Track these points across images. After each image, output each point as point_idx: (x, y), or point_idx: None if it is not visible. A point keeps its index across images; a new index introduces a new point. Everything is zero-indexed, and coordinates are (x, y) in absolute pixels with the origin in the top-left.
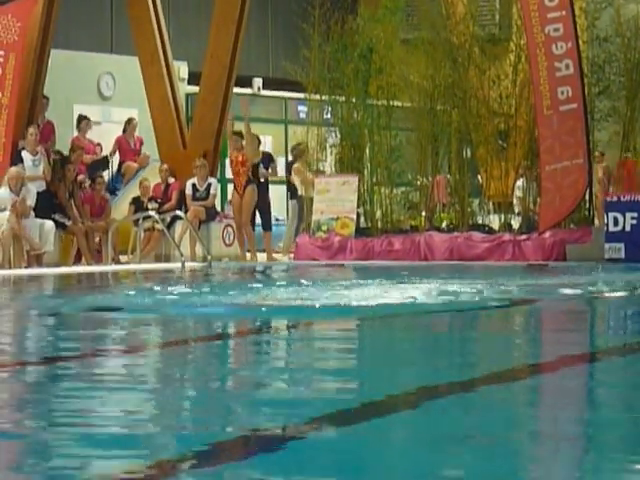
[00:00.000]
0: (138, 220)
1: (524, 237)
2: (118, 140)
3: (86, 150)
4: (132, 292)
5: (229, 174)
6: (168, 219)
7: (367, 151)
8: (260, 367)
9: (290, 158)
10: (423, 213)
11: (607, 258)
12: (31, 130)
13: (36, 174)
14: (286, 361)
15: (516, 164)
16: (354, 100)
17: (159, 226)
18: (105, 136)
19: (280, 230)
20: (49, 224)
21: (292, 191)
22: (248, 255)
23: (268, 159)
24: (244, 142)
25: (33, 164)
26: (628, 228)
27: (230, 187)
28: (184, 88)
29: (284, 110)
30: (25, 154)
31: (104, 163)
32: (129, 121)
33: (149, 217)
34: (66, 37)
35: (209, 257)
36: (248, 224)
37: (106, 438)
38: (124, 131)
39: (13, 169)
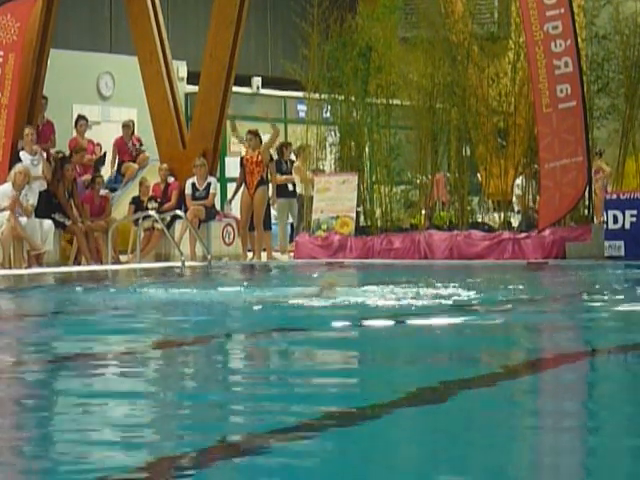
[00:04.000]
0: (138, 220)
1: (524, 235)
2: (116, 142)
3: (86, 151)
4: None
5: (229, 173)
6: (168, 218)
7: (367, 150)
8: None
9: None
10: (423, 211)
11: (607, 256)
12: (27, 130)
13: (35, 174)
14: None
15: (515, 162)
16: (353, 99)
17: (159, 225)
18: (104, 136)
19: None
20: (48, 223)
21: (279, 189)
22: (249, 254)
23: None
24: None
25: (32, 164)
26: (628, 226)
27: (230, 186)
28: (183, 88)
29: (283, 109)
30: (23, 154)
31: (102, 160)
32: (126, 126)
33: (149, 216)
34: (65, 37)
35: (209, 256)
36: (260, 225)
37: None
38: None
39: (20, 165)
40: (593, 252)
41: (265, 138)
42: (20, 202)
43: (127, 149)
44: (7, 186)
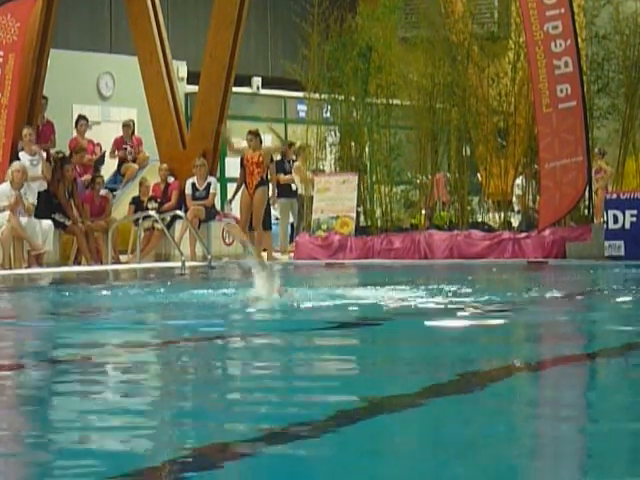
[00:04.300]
0: (138, 220)
1: (524, 235)
2: (115, 141)
3: (86, 151)
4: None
5: (229, 173)
6: (168, 219)
7: (367, 150)
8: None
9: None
10: (423, 211)
11: (607, 256)
12: (25, 131)
13: (35, 174)
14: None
15: (515, 162)
16: (353, 99)
17: (159, 226)
18: (104, 136)
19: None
20: (47, 224)
21: (282, 189)
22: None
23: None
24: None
25: (31, 164)
26: (628, 226)
27: (230, 186)
28: (183, 88)
29: (283, 109)
30: (22, 155)
31: (102, 160)
32: (126, 125)
33: (149, 217)
34: (65, 37)
35: (209, 256)
36: (260, 225)
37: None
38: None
39: (17, 163)
40: (593, 252)
41: (265, 139)
42: (22, 201)
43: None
44: (5, 185)
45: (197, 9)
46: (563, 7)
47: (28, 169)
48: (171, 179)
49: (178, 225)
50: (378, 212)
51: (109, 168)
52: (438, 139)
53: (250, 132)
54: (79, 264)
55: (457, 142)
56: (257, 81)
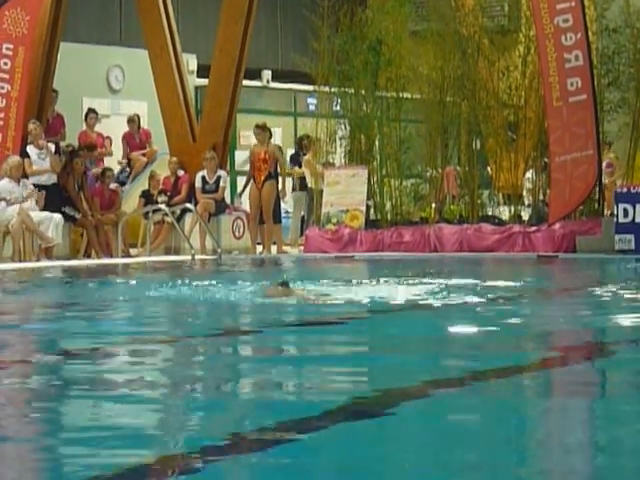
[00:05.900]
0: (148, 213)
1: (534, 229)
2: (124, 136)
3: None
4: None
5: (239, 166)
6: (178, 212)
7: (377, 143)
8: None
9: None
10: (433, 205)
11: (617, 249)
12: (31, 126)
13: (43, 168)
14: None
15: (526, 155)
16: (363, 92)
17: (169, 219)
18: (114, 129)
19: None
20: (57, 217)
21: (294, 182)
22: (259, 248)
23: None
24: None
25: (39, 157)
26: (638, 219)
27: (240, 180)
28: (193, 81)
29: (293, 102)
30: (31, 149)
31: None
32: (131, 120)
33: (159, 210)
34: (75, 30)
35: (219, 250)
36: (270, 219)
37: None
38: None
39: (14, 158)
40: (603, 246)
41: (275, 132)
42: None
43: (135, 142)
44: (6, 181)
45: (207, 2)
46: (574, 0)
47: (36, 163)
48: (181, 172)
49: (188, 218)
50: (388, 205)
51: (119, 162)
52: (448, 132)
53: (258, 126)
54: (89, 257)
55: (467, 135)
56: (267, 74)
